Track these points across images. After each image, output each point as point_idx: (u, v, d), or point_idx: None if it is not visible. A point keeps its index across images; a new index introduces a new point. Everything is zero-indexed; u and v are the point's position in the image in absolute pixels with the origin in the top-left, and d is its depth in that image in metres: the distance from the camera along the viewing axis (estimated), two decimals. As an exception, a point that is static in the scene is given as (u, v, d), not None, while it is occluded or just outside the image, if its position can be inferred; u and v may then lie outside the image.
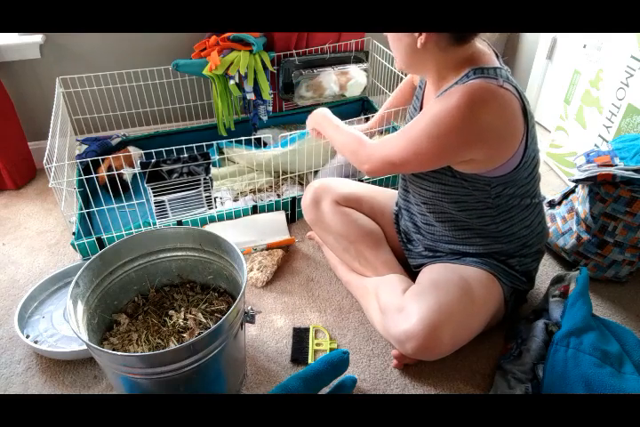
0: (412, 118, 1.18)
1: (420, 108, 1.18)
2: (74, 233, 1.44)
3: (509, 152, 1.01)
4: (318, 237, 1.47)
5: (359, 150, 1.15)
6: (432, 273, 1.18)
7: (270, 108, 1.90)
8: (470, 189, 1.09)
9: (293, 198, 1.61)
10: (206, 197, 1.50)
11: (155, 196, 1.43)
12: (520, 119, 0.99)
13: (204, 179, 1.45)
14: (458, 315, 1.06)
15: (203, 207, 1.53)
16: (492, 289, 1.14)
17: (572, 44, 1.92)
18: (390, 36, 1.03)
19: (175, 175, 1.41)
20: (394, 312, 1.11)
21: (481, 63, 0.99)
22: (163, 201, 1.46)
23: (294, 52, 1.89)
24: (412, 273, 1.31)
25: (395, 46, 1.04)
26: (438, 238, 1.23)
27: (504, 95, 0.95)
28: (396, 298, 1.14)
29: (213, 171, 1.64)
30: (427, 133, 0.98)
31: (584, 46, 1.69)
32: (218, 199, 1.66)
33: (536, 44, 2.12)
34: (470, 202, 1.11)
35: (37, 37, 1.72)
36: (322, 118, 1.34)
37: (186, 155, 1.39)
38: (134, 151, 1.81)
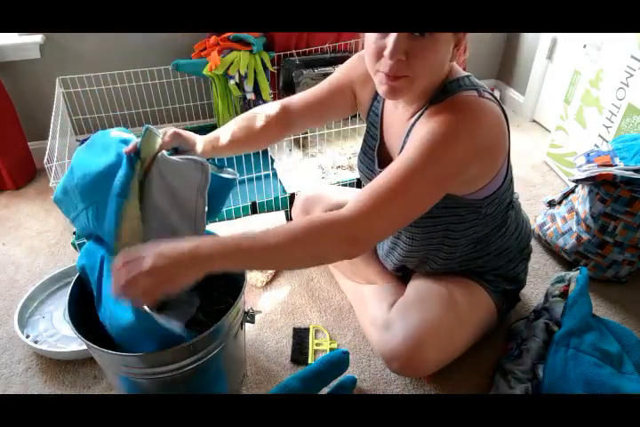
0: (368, 150, 1.09)
1: (381, 139, 1.06)
2: (74, 233, 1.44)
3: (498, 164, 0.94)
4: None
5: (331, 227, 0.80)
6: (418, 287, 1.15)
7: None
8: (463, 213, 1.01)
9: (292, 195, 1.61)
10: None
11: None
12: (505, 127, 0.91)
13: None
14: (443, 332, 1.04)
15: None
16: (478, 299, 1.12)
17: (572, 44, 1.92)
18: (436, 39, 0.81)
19: None
20: (381, 329, 1.08)
21: (452, 73, 0.91)
22: None
23: (294, 51, 1.89)
24: (406, 281, 1.24)
25: (434, 51, 0.83)
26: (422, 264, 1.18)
27: (490, 106, 0.87)
28: (383, 313, 1.13)
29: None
30: (425, 158, 0.82)
31: (584, 46, 1.69)
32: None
33: (536, 44, 2.12)
34: (459, 229, 1.04)
35: (37, 37, 1.73)
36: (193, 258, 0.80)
37: None
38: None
